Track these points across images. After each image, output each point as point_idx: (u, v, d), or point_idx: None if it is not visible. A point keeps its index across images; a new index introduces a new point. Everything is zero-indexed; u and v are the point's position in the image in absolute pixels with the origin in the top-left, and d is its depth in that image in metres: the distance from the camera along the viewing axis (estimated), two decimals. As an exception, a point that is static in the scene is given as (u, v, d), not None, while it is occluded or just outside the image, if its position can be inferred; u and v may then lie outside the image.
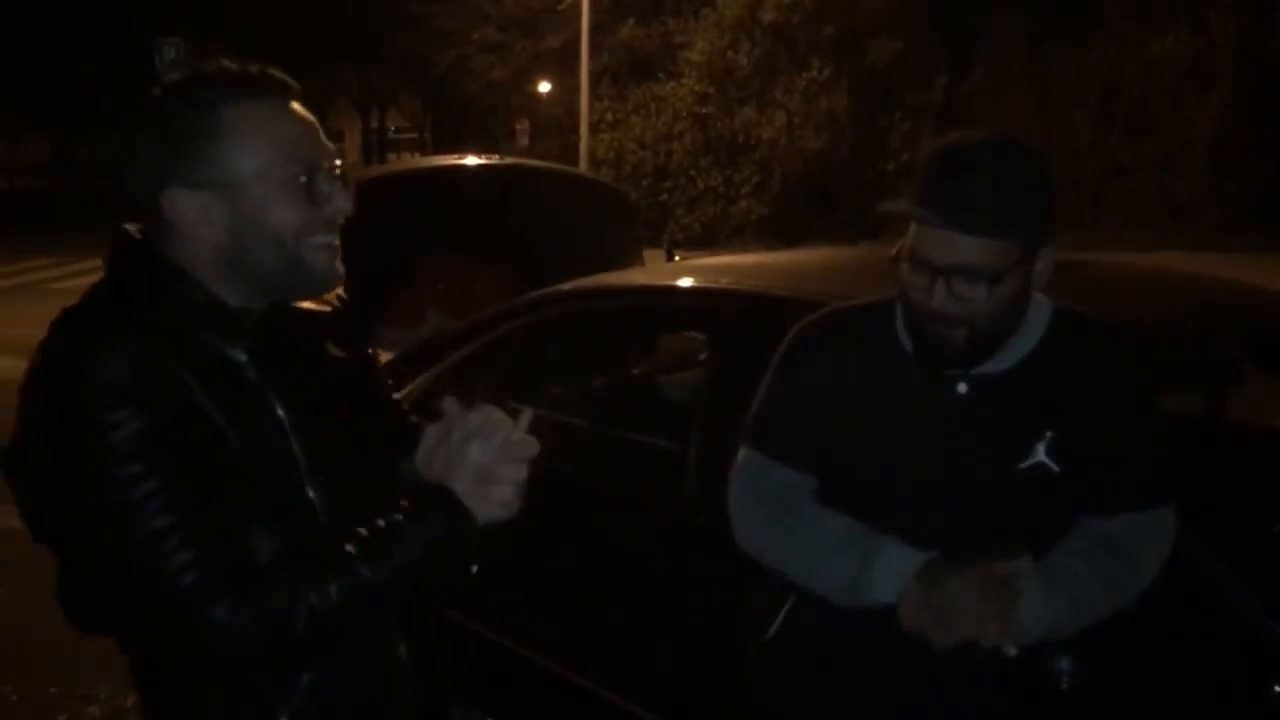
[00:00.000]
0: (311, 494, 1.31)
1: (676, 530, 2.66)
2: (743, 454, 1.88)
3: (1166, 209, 17.63)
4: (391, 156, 37.11)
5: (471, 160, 5.12)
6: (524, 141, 23.54)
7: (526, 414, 1.34)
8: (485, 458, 1.31)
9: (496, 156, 5.75)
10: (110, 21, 25.44)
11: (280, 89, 1.32)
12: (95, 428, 1.16)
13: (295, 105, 1.33)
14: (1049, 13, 18.92)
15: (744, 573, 1.92)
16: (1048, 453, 1.67)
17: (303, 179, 1.30)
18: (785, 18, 19.90)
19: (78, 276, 15.94)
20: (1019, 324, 1.70)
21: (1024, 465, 1.67)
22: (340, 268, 1.37)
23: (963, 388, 1.71)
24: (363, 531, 1.26)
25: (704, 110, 20.25)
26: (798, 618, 1.84)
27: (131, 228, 1.35)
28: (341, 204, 1.34)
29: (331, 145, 1.36)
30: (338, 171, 1.34)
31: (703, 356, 3.60)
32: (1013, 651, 1.59)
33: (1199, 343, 2.60)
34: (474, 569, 1.37)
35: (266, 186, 1.29)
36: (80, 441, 1.17)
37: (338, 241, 1.35)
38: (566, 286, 3.24)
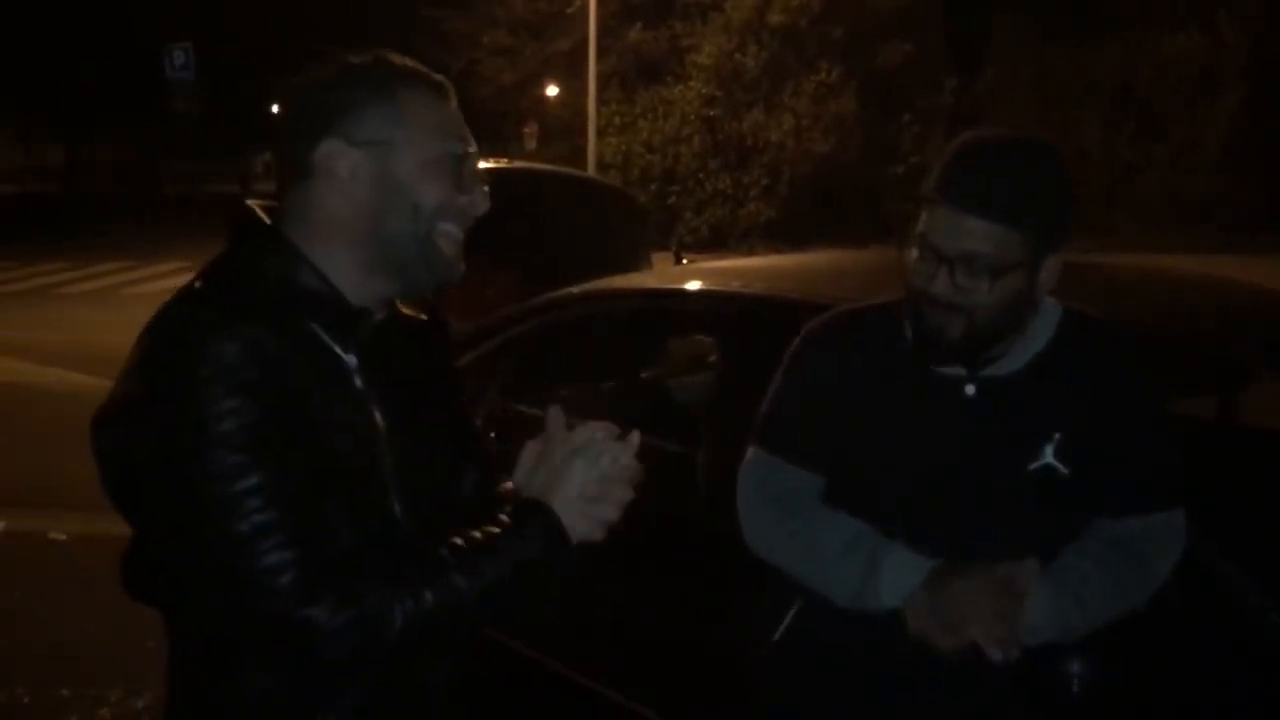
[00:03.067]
0: (396, 506, 1.31)
1: (686, 532, 2.66)
2: (751, 453, 1.88)
3: (1177, 210, 17.58)
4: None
5: (480, 164, 5.14)
6: (532, 145, 23.58)
7: (634, 435, 1.34)
8: (591, 477, 1.30)
9: (505, 160, 5.77)
10: (119, 26, 25.57)
11: (443, 89, 1.36)
12: (205, 414, 1.15)
13: (452, 102, 1.37)
14: (1059, 14, 18.90)
15: (752, 574, 1.92)
16: (1056, 455, 1.67)
17: (455, 157, 1.33)
18: (793, 20, 19.91)
19: (90, 280, 15.97)
20: (1019, 326, 1.70)
21: (1032, 467, 1.67)
22: (461, 266, 1.37)
23: (970, 389, 1.71)
24: (459, 541, 1.25)
25: (712, 113, 20.26)
26: (805, 620, 1.84)
27: (257, 205, 1.35)
28: (480, 201, 1.36)
29: (473, 141, 1.38)
30: (479, 167, 1.38)
31: (712, 359, 3.61)
32: (1016, 654, 1.59)
33: (1209, 345, 2.60)
34: (555, 591, 1.36)
35: (420, 158, 1.31)
36: (188, 426, 1.15)
37: (461, 238, 1.37)
38: (575, 290, 3.24)
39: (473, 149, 1.36)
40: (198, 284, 1.27)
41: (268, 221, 1.33)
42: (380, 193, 1.30)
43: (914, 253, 1.67)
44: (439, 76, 1.36)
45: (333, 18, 27.50)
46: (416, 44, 25.35)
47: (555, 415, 1.35)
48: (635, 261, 4.78)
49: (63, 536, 4.76)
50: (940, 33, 20.28)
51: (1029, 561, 1.62)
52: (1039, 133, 1.84)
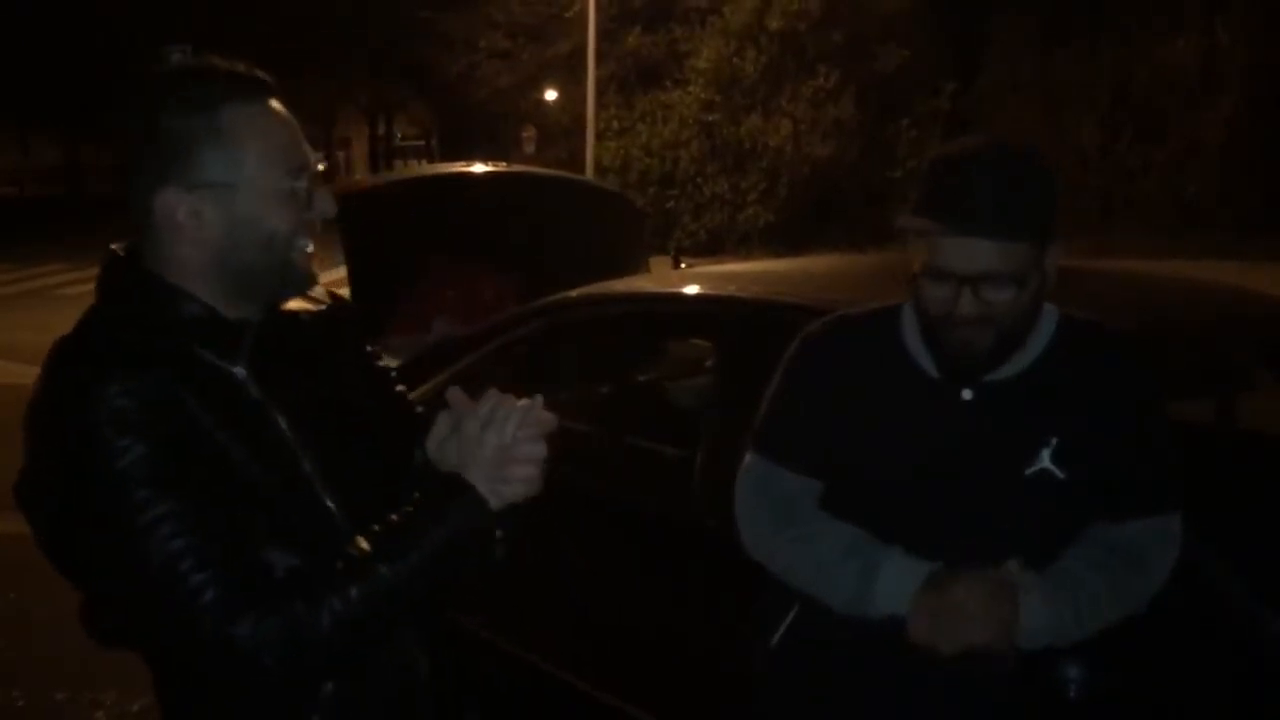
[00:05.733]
0: (329, 502, 1.31)
1: (684, 536, 2.66)
2: (749, 458, 1.88)
3: (1177, 213, 17.58)
4: (398, 164, 37.15)
5: (479, 167, 5.13)
6: (530, 149, 23.59)
7: (538, 398, 1.34)
8: (503, 441, 1.30)
9: (503, 164, 5.75)
10: (119, 28, 25.53)
11: (266, 89, 1.32)
12: (101, 456, 1.16)
13: (278, 105, 1.33)
14: (1057, 17, 18.90)
15: (750, 578, 1.92)
16: (1053, 459, 1.67)
17: (295, 184, 1.31)
18: (792, 25, 19.91)
19: (89, 282, 15.92)
20: (1037, 322, 1.70)
21: (1029, 471, 1.67)
22: (315, 272, 1.38)
23: (968, 394, 1.71)
24: (378, 529, 1.25)
25: (710, 118, 20.25)
26: (803, 624, 1.84)
27: (118, 247, 1.35)
28: (325, 207, 1.35)
29: (309, 147, 1.36)
30: (319, 174, 1.36)
31: (709, 363, 3.61)
32: (1014, 656, 1.59)
33: (1207, 349, 2.60)
34: (500, 556, 1.36)
35: (262, 191, 1.29)
36: (88, 471, 1.17)
37: (312, 248, 1.36)
38: (573, 293, 3.24)
39: (310, 159, 1.34)
40: (67, 341, 1.27)
41: (130, 261, 1.32)
42: (228, 232, 1.29)
43: (924, 281, 1.65)
44: (260, 77, 1.32)
45: (331, 19, 27.50)
46: (414, 46, 25.42)
47: (456, 392, 1.35)
48: (633, 265, 4.77)
49: (60, 539, 4.75)
50: (938, 37, 20.29)
51: (1024, 566, 1.62)
52: (1038, 137, 1.85)
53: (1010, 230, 1.59)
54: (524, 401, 1.32)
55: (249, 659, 1.16)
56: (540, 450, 1.32)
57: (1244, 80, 17.53)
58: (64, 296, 14.44)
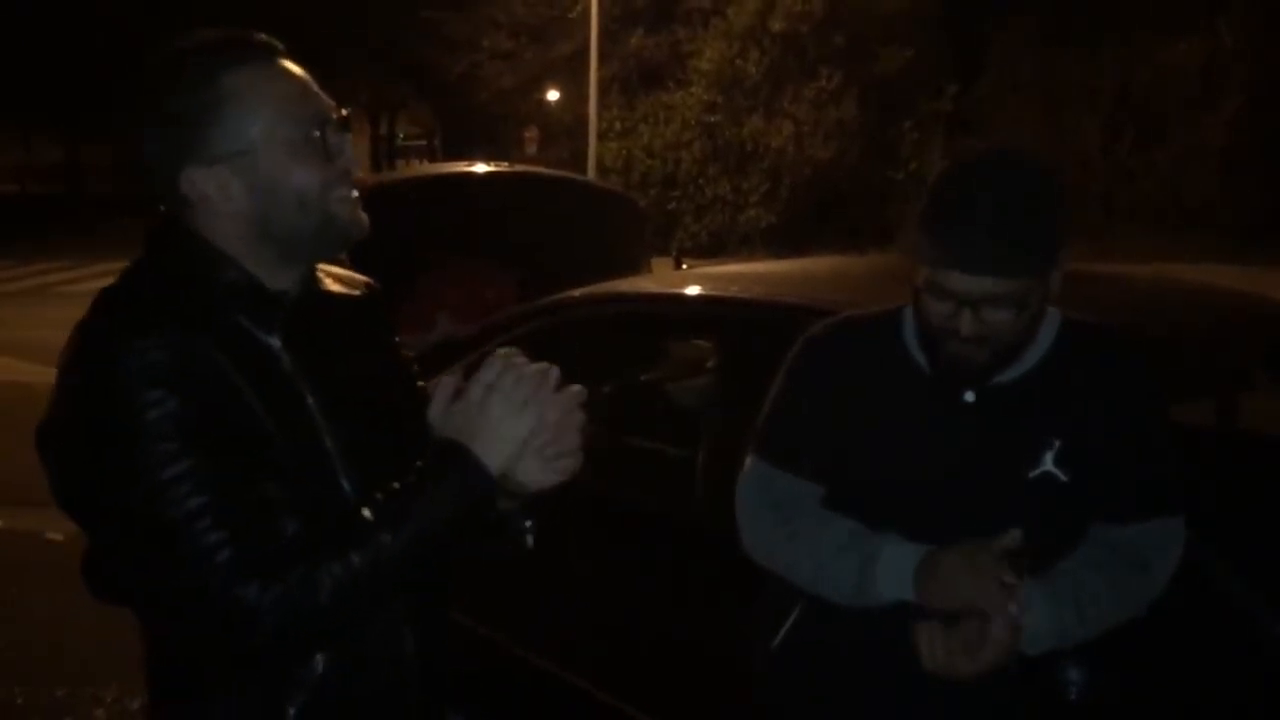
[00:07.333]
0: (345, 483, 1.32)
1: (685, 536, 2.66)
2: (750, 461, 1.88)
3: (1178, 216, 17.57)
4: (400, 163, 37.14)
5: (481, 167, 5.14)
6: (533, 149, 23.59)
7: (553, 371, 1.31)
8: (528, 422, 1.28)
9: (506, 164, 5.76)
10: (119, 28, 25.54)
11: (268, 49, 1.32)
12: (131, 407, 1.17)
13: (287, 63, 1.33)
14: (1058, 18, 18.90)
15: (751, 579, 1.92)
16: (1056, 462, 1.67)
17: (314, 135, 1.30)
18: (794, 27, 19.92)
19: (89, 280, 15.99)
20: (1035, 336, 1.70)
21: (1032, 474, 1.67)
22: (364, 217, 1.36)
23: (970, 396, 1.71)
24: (379, 497, 1.25)
25: (713, 119, 20.26)
26: (804, 625, 1.84)
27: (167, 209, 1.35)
28: (350, 150, 1.35)
29: (329, 99, 1.35)
30: (343, 123, 1.35)
31: (710, 364, 3.61)
32: (1018, 629, 1.58)
33: (1207, 351, 2.60)
34: (530, 541, 1.37)
35: (280, 150, 1.29)
36: (116, 420, 1.18)
37: (356, 193, 1.35)
38: (575, 293, 3.24)
39: (327, 107, 1.33)
40: (111, 291, 1.28)
41: (176, 222, 1.33)
42: (258, 198, 1.29)
43: (927, 297, 1.65)
44: (259, 38, 1.31)
45: (333, 18, 27.48)
46: (415, 46, 25.38)
47: (446, 382, 1.34)
48: (635, 265, 4.77)
49: (60, 536, 4.74)
50: (939, 38, 20.29)
51: (1014, 532, 1.59)
52: (1040, 139, 1.83)
53: (1014, 269, 1.58)
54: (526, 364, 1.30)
55: (252, 621, 1.17)
56: (577, 437, 1.31)
57: (1246, 82, 17.51)
58: (64, 294, 14.45)
